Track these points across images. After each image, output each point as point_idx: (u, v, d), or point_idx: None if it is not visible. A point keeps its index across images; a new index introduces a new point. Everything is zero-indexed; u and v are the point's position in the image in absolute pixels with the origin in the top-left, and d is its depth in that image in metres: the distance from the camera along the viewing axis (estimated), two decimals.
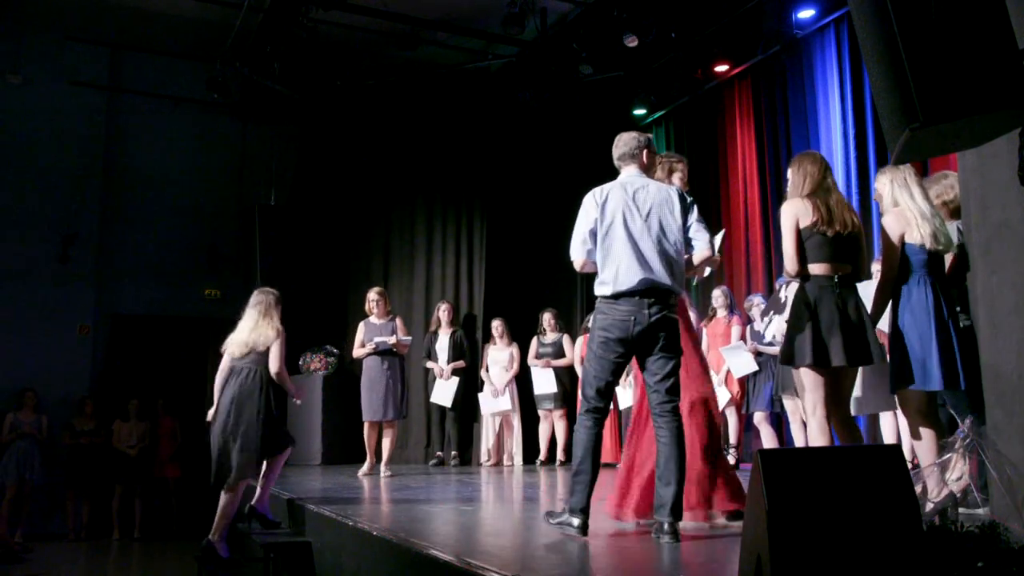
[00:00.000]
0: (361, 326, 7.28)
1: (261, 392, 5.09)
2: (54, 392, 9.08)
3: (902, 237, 3.76)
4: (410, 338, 7.35)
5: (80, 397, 9.14)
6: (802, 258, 3.70)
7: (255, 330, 5.26)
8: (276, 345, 5.19)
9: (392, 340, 7.05)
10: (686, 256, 3.69)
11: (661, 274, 3.55)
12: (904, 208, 3.78)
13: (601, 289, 3.61)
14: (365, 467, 7.06)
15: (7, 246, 9.21)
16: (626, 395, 7.71)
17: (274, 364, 5.16)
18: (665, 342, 3.55)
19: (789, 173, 3.88)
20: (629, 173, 3.77)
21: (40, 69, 9.50)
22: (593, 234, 3.64)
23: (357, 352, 7.17)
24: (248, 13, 7.96)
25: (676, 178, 4.28)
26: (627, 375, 7.76)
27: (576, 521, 3.46)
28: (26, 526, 8.48)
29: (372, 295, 7.36)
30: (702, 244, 3.67)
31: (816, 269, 3.71)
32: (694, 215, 3.70)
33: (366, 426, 7.07)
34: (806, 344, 3.60)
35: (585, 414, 3.60)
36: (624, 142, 3.83)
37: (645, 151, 3.80)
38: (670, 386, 3.55)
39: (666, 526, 3.39)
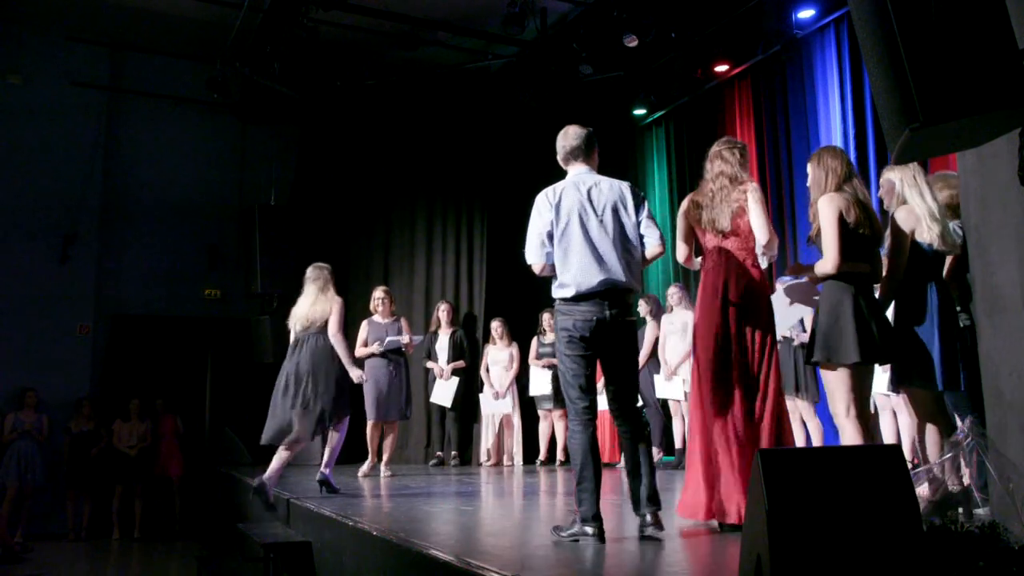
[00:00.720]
0: (364, 324, 7.25)
1: (332, 361, 5.50)
2: (54, 392, 9.07)
3: (912, 235, 3.75)
4: (420, 337, 7.37)
5: (78, 399, 9.14)
6: (844, 255, 3.60)
7: (315, 304, 5.65)
8: (335, 313, 5.60)
9: (405, 340, 7.05)
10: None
11: (619, 273, 3.54)
12: (914, 206, 3.77)
13: (561, 292, 3.58)
14: (365, 467, 7.07)
15: (7, 246, 9.21)
16: None
17: (332, 329, 5.56)
18: (625, 343, 3.61)
19: (809, 169, 3.83)
20: (579, 171, 3.74)
21: (40, 69, 9.50)
22: (550, 236, 3.59)
23: (360, 351, 7.09)
24: (248, 13, 7.95)
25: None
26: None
27: (591, 530, 3.41)
28: (26, 526, 8.47)
29: (378, 293, 7.34)
30: (653, 240, 3.66)
31: (847, 266, 3.68)
32: (645, 211, 3.69)
33: (370, 426, 7.04)
34: (850, 342, 3.54)
35: (575, 418, 3.56)
36: (574, 135, 3.78)
37: (595, 147, 3.80)
38: (630, 386, 3.63)
39: (649, 517, 3.45)
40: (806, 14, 7.55)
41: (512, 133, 9.44)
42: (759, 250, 3.81)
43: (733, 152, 3.91)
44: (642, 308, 7.90)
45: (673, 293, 7.66)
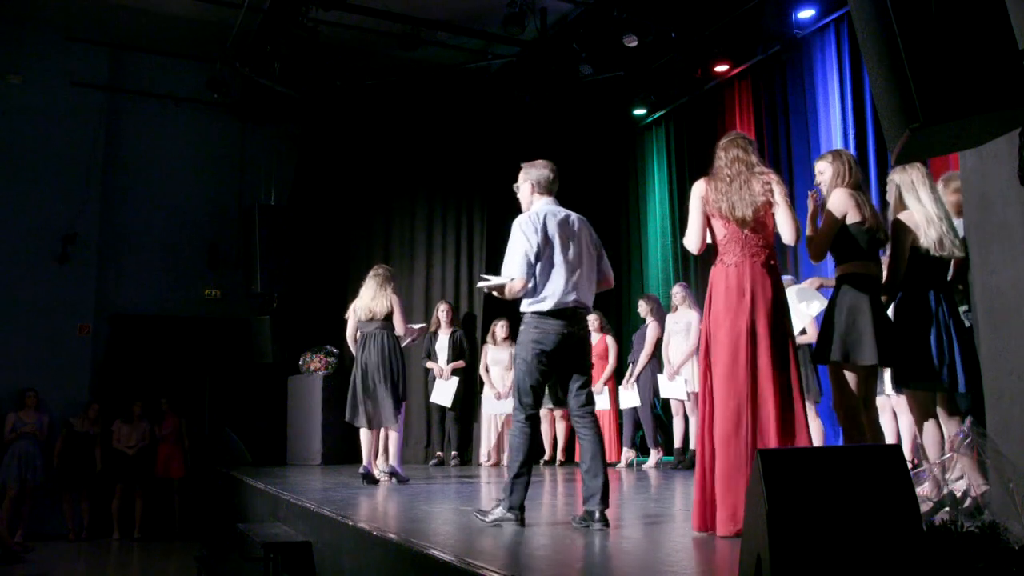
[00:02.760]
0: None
1: (395, 351, 6.31)
2: (54, 392, 9.08)
3: (911, 239, 3.76)
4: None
5: (86, 401, 9.14)
6: (854, 254, 3.68)
7: (375, 299, 6.34)
8: (397, 311, 6.36)
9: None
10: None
11: (586, 296, 4.03)
12: (912, 211, 3.78)
13: (537, 306, 3.93)
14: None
15: (7, 246, 9.21)
16: (628, 396, 7.71)
17: (399, 326, 6.35)
18: (586, 356, 4.05)
19: (825, 165, 3.85)
20: (549, 201, 4.12)
21: (40, 69, 9.50)
22: (537, 256, 3.93)
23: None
24: (248, 13, 7.96)
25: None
26: (629, 377, 7.79)
27: (513, 516, 3.87)
28: (26, 526, 8.47)
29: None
30: (611, 274, 4.21)
31: (860, 268, 3.69)
32: (601, 245, 4.20)
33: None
34: (868, 343, 3.54)
35: (524, 421, 3.94)
36: (550, 169, 4.15)
37: (557, 184, 4.17)
38: (588, 392, 4.00)
39: (597, 514, 3.75)
40: (806, 14, 7.55)
41: (512, 133, 9.44)
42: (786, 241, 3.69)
43: (746, 143, 3.77)
44: (642, 308, 7.90)
45: (677, 292, 7.65)
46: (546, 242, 3.94)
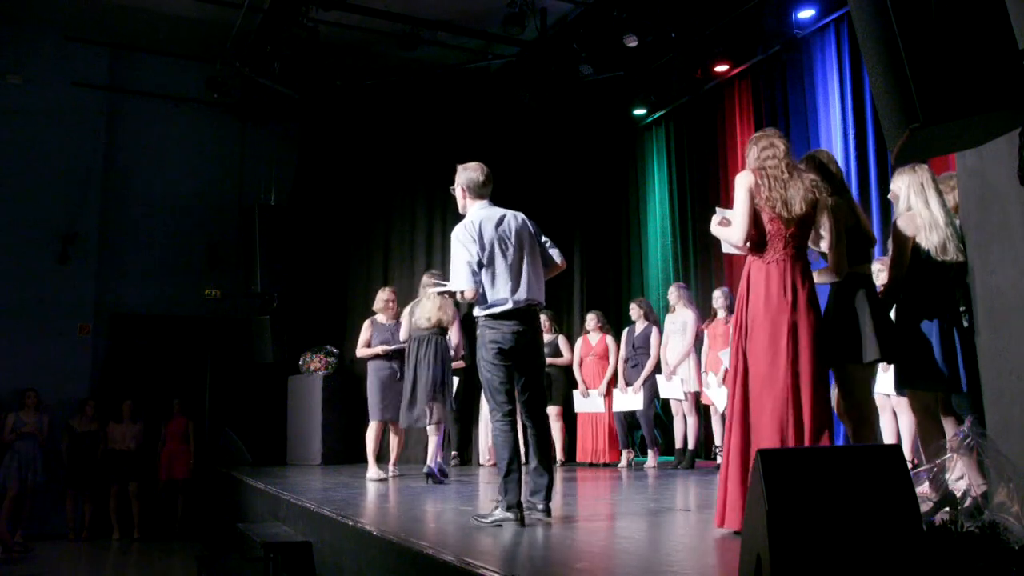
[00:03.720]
0: (368, 324, 7.09)
1: (448, 358, 6.58)
2: (54, 392, 9.07)
3: (913, 242, 3.75)
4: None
5: (81, 399, 9.13)
6: (851, 257, 3.69)
7: (440, 309, 6.50)
8: (455, 325, 6.73)
9: (403, 334, 6.99)
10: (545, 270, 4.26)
11: (536, 293, 4.11)
12: (916, 214, 3.77)
13: (491, 310, 4.05)
14: (371, 472, 6.77)
15: (7, 246, 9.21)
16: (625, 399, 7.71)
17: (455, 336, 6.74)
18: (538, 353, 4.20)
19: (816, 171, 3.77)
20: (483, 205, 4.20)
21: (40, 69, 9.49)
22: (479, 264, 4.04)
23: (362, 352, 7.00)
24: (248, 13, 7.96)
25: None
26: (634, 380, 7.79)
27: (513, 515, 3.88)
28: (26, 526, 8.47)
29: (387, 295, 7.21)
30: (558, 257, 4.27)
31: (855, 268, 3.70)
32: (542, 233, 4.28)
33: (371, 428, 6.87)
34: (870, 341, 3.54)
35: (503, 419, 4.03)
36: (482, 172, 4.21)
37: (489, 187, 4.26)
38: (540, 389, 4.16)
39: (540, 506, 4.00)
40: (806, 14, 7.54)
41: (512, 133, 9.44)
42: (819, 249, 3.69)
43: (784, 140, 3.64)
44: (634, 312, 7.86)
45: (673, 292, 7.65)
46: (484, 249, 4.04)
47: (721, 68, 8.44)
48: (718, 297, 7.25)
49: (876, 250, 5.69)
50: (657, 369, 7.59)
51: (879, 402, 5.69)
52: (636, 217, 10.05)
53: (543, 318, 8.44)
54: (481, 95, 9.47)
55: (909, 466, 2.35)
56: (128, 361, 9.64)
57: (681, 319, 7.48)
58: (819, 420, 3.38)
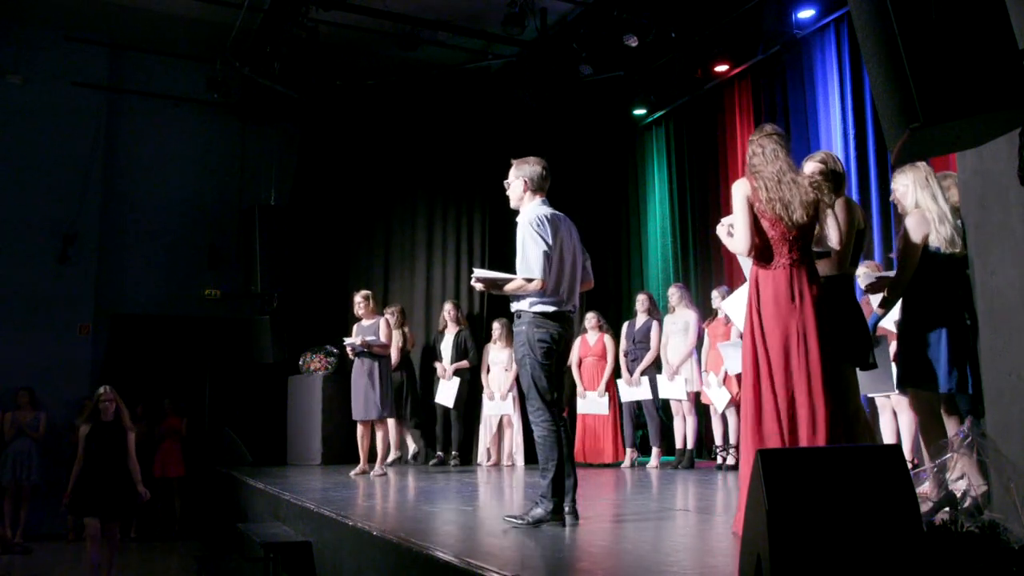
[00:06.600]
0: (355, 328, 7.34)
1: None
2: (54, 392, 9.07)
3: (925, 239, 3.73)
4: (375, 339, 6.99)
5: (82, 398, 9.11)
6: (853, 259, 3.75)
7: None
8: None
9: (357, 341, 7.03)
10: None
11: (576, 299, 4.09)
12: (925, 209, 3.76)
13: (541, 307, 3.93)
14: (357, 468, 7.10)
15: (7, 246, 9.20)
16: (631, 390, 7.67)
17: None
18: (566, 358, 4.24)
19: (815, 168, 3.74)
20: (544, 201, 4.11)
21: (40, 69, 9.49)
22: (549, 257, 3.91)
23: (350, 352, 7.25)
24: (248, 13, 7.95)
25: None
26: (633, 373, 7.78)
27: (554, 516, 3.84)
28: (26, 526, 8.46)
29: (356, 298, 7.37)
30: (592, 275, 4.23)
31: (849, 270, 3.71)
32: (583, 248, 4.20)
33: (358, 427, 7.16)
34: (866, 342, 3.58)
35: (550, 419, 3.91)
36: (540, 168, 4.10)
37: (549, 182, 4.15)
38: (563, 392, 4.18)
39: (567, 508, 3.89)
40: (806, 14, 7.54)
41: (512, 133, 9.43)
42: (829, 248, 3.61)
43: (782, 138, 3.56)
44: (641, 304, 7.83)
45: (674, 293, 7.64)
46: (556, 243, 3.94)
47: (721, 68, 8.44)
48: (717, 297, 7.25)
49: (876, 252, 5.67)
50: (658, 369, 7.58)
51: (879, 402, 5.70)
52: (636, 217, 10.05)
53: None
54: (481, 95, 9.47)
55: (909, 466, 2.35)
56: (128, 361, 9.63)
57: (683, 319, 7.47)
58: (834, 422, 3.35)
